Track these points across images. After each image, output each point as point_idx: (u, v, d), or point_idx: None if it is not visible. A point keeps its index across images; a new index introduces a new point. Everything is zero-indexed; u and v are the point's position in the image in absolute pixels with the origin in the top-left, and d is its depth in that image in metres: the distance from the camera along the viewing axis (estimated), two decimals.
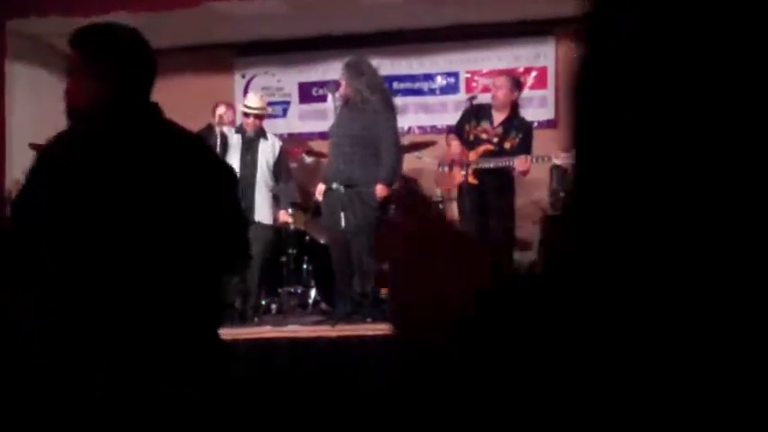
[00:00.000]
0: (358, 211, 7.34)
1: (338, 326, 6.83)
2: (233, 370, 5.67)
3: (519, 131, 8.11)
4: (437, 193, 8.75)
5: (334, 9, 9.54)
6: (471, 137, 8.19)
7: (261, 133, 8.43)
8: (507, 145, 8.02)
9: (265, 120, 8.74)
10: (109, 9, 8.81)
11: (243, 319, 7.88)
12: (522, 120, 8.36)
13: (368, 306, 7.25)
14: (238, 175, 7.49)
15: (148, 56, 2.66)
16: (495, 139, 8.04)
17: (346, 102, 7.51)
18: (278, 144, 8.53)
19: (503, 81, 8.43)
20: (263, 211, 8.21)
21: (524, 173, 7.99)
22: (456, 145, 8.26)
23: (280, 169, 8.46)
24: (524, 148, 8.03)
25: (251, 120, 8.35)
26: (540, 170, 9.61)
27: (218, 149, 8.03)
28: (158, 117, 2.50)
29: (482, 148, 8.07)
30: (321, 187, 7.65)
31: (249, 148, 8.35)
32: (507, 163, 7.94)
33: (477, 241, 0.91)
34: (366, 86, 7.50)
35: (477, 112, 8.38)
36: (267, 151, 8.39)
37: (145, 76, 2.62)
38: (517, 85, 8.48)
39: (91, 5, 8.78)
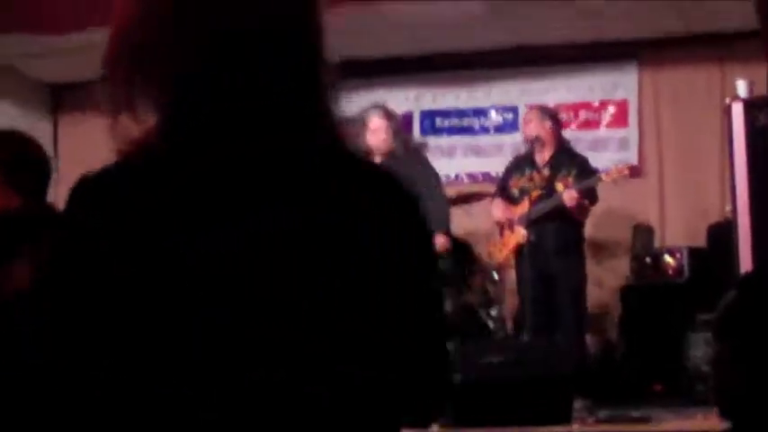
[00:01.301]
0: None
1: None
2: None
3: (571, 167, 8.08)
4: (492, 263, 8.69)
5: (364, 27, 9.51)
6: (516, 192, 8.18)
7: None
8: (560, 187, 7.96)
9: None
10: (84, 26, 8.84)
11: None
12: (573, 153, 8.35)
13: None
14: None
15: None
16: (543, 183, 8.00)
17: (387, 156, 7.64)
18: None
19: (529, 114, 8.60)
20: None
21: (574, 208, 7.91)
22: (498, 206, 8.33)
23: None
24: (588, 185, 7.99)
25: None
26: (619, 230, 9.56)
27: None
28: None
29: (526, 198, 8.03)
30: None
31: None
32: (555, 203, 7.89)
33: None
34: (401, 134, 7.73)
35: (519, 164, 8.41)
36: None
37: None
38: (550, 115, 8.47)
39: (65, 23, 8.82)
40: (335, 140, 1.77)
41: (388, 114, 7.71)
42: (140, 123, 1.70)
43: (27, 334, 1.74)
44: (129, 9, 1.72)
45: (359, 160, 1.84)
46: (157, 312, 1.63)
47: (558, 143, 8.27)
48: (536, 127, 8.21)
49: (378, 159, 7.50)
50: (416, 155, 7.73)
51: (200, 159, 1.63)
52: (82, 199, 1.72)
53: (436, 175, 8.14)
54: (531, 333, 7.56)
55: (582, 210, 8.07)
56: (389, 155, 7.54)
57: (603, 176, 8.00)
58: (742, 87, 7.13)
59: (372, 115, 7.65)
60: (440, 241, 7.47)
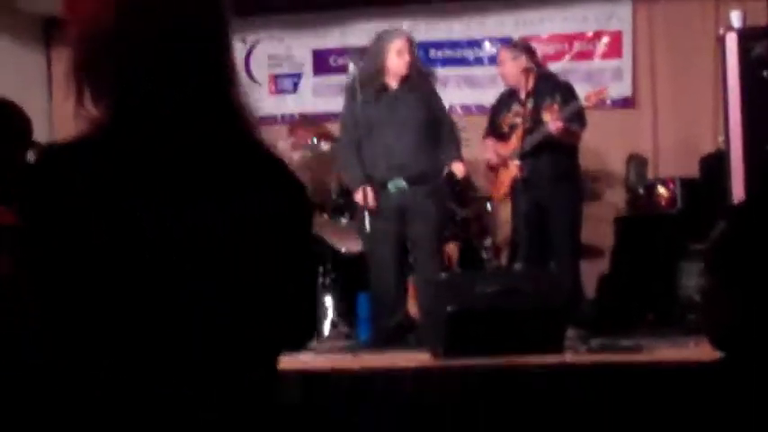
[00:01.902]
0: (431, 212, 7.38)
1: (361, 354, 6.77)
2: None
3: (555, 95, 8.04)
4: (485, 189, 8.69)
5: None
6: (506, 128, 8.17)
7: None
8: (546, 116, 7.93)
9: (274, 95, 8.66)
10: None
11: None
12: (555, 80, 8.31)
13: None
14: None
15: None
16: (529, 116, 7.97)
17: (404, 80, 7.46)
18: None
19: (501, 54, 8.52)
20: None
21: (563, 135, 7.89)
22: (490, 146, 8.33)
23: None
24: (572, 110, 7.96)
25: None
26: (613, 161, 9.57)
27: None
28: None
29: (516, 133, 8.01)
30: (367, 191, 7.49)
31: None
32: (544, 133, 7.87)
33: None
34: (418, 60, 7.57)
35: (504, 101, 8.40)
36: None
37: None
38: (522, 49, 8.42)
39: None
40: (246, 132, 2.23)
41: (411, 39, 7.58)
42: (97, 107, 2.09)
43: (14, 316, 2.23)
44: (84, 22, 2.09)
45: (262, 149, 2.26)
46: (116, 269, 2.02)
47: (537, 74, 8.23)
48: (511, 68, 8.16)
49: (394, 83, 7.48)
50: (429, 83, 7.69)
51: (140, 140, 2.05)
52: (46, 176, 2.04)
53: None
54: (524, 263, 7.56)
55: (572, 135, 8.05)
56: (406, 79, 7.45)
57: (584, 101, 7.96)
58: (736, 18, 7.11)
59: (397, 37, 7.51)
60: (460, 169, 7.60)
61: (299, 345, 2.42)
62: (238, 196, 2.12)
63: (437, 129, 7.54)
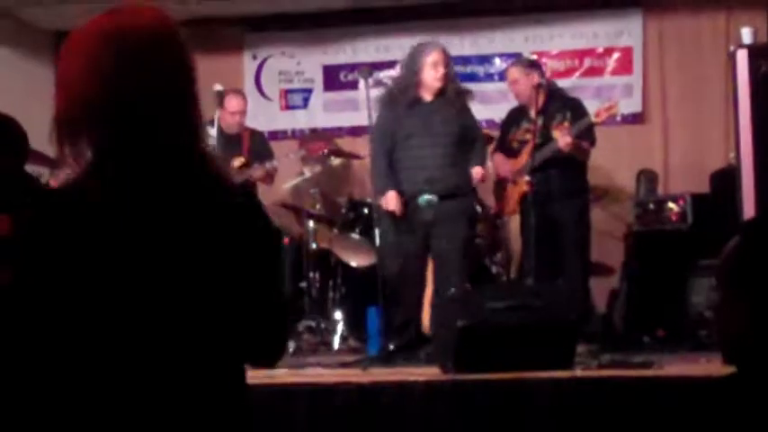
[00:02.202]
0: (459, 228, 7.39)
1: (371, 369, 6.77)
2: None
3: (565, 112, 8.05)
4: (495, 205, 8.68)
5: None
6: (515, 144, 8.18)
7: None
8: (556, 133, 7.94)
9: (239, 116, 8.65)
10: None
11: None
12: (565, 97, 8.33)
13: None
14: None
15: None
16: (539, 132, 7.96)
17: (439, 93, 7.43)
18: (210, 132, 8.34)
19: (513, 72, 8.47)
20: None
21: (573, 151, 7.90)
22: (499, 161, 8.32)
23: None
24: (582, 126, 7.96)
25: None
26: (623, 176, 9.56)
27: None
28: None
29: (525, 150, 8.01)
30: (392, 195, 7.45)
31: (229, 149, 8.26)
32: (553, 149, 7.88)
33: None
34: (454, 74, 7.57)
35: (514, 117, 8.41)
36: None
37: None
38: (531, 65, 8.47)
39: None
40: (209, 175, 2.47)
41: (446, 52, 7.54)
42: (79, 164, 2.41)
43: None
44: (70, 90, 2.42)
45: (225, 185, 2.51)
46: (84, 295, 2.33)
47: (547, 90, 8.24)
48: (525, 84, 8.16)
49: (428, 95, 7.44)
50: (463, 97, 7.67)
51: (116, 193, 2.35)
52: (38, 223, 2.40)
53: None
54: (534, 278, 7.55)
55: (581, 152, 8.07)
56: (440, 91, 7.42)
57: (594, 117, 7.96)
58: (747, 34, 7.10)
59: (432, 50, 7.47)
60: (478, 171, 7.57)
61: (268, 359, 2.60)
62: (200, 230, 2.38)
63: (468, 144, 7.55)
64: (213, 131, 8.19)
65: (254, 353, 2.55)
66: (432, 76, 7.37)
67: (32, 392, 2.37)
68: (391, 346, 7.34)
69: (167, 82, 2.45)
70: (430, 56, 7.39)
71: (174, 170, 2.41)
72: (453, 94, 7.50)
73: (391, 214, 7.43)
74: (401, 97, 7.47)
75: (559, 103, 8.17)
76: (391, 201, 7.42)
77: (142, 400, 2.33)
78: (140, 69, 2.39)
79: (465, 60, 10.68)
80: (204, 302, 2.38)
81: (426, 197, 7.27)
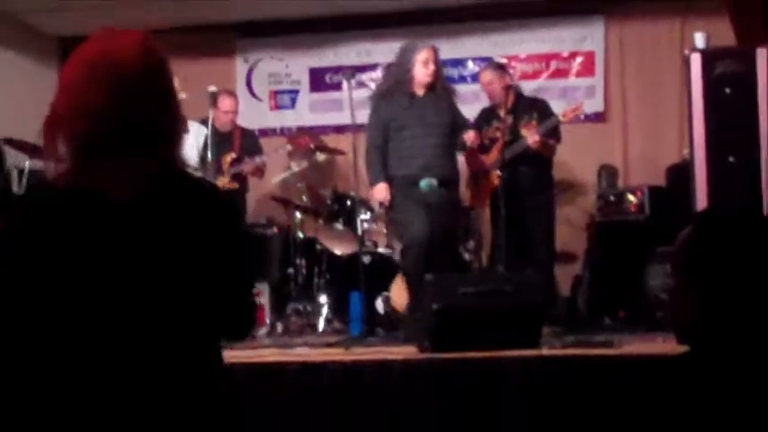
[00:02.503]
0: (451, 216, 7.42)
1: (353, 348, 6.77)
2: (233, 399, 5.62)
3: (531, 111, 8.09)
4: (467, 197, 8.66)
5: None
6: (486, 141, 8.18)
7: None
8: (524, 131, 7.96)
9: (231, 114, 8.63)
10: None
11: None
12: (532, 98, 8.37)
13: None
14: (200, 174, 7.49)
15: None
16: (508, 130, 7.98)
17: (430, 87, 7.42)
18: (202, 134, 8.34)
19: (486, 74, 8.52)
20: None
21: (541, 148, 7.94)
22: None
23: (216, 159, 8.31)
24: (549, 125, 7.99)
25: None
26: (585, 171, 9.58)
27: (206, 148, 7.99)
28: None
29: (495, 146, 8.02)
30: (383, 187, 7.44)
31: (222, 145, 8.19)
32: (522, 146, 7.90)
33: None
34: (442, 71, 7.58)
35: (485, 116, 8.43)
36: (189, 146, 8.18)
37: None
38: (502, 68, 8.54)
39: None
40: (188, 179, 2.63)
41: (436, 50, 7.50)
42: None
43: None
44: (64, 101, 2.51)
45: (194, 184, 2.64)
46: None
47: (515, 91, 8.30)
48: (497, 85, 8.19)
49: (420, 90, 7.41)
50: (450, 93, 7.67)
51: (95, 186, 2.47)
52: (13, 214, 2.53)
53: None
54: (504, 266, 7.56)
55: (548, 149, 8.10)
56: (431, 86, 7.40)
57: (561, 117, 7.99)
58: (700, 40, 7.13)
59: (422, 48, 7.43)
60: (471, 136, 7.61)
61: (239, 335, 2.78)
62: (172, 223, 2.51)
63: (457, 135, 7.54)
64: (208, 129, 8.18)
65: (228, 330, 2.70)
66: (422, 72, 7.35)
67: (28, 358, 2.46)
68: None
69: (155, 101, 2.57)
70: (421, 53, 7.37)
71: (158, 173, 2.54)
72: (441, 90, 7.49)
73: (394, 198, 7.41)
74: (395, 92, 7.45)
75: (527, 104, 8.20)
76: (380, 192, 7.43)
77: (132, 371, 2.43)
78: (136, 90, 2.51)
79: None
80: (185, 290, 2.51)
81: (426, 181, 7.27)
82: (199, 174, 8.09)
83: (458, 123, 7.63)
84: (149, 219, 2.49)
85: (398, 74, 7.50)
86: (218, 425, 2.59)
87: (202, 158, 8.18)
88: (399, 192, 7.39)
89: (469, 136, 7.58)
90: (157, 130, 2.55)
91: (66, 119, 2.49)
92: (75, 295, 2.43)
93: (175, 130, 2.63)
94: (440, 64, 7.55)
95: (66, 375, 2.43)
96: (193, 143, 8.24)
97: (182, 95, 8.11)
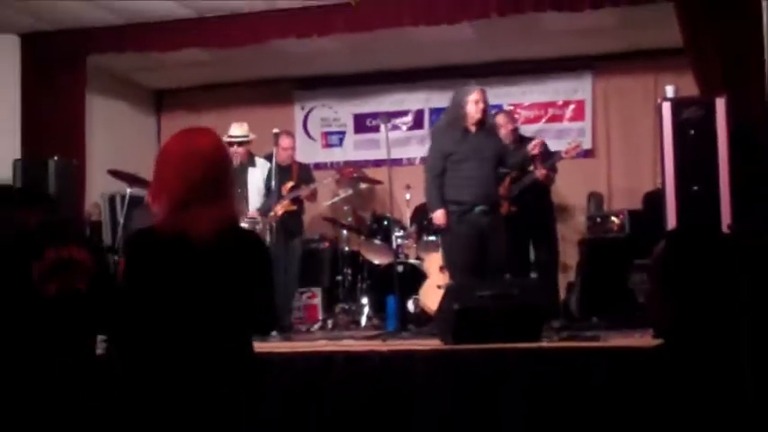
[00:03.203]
0: (501, 235, 7.08)
1: (389, 340, 6.77)
2: (292, 380, 5.63)
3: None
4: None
5: (386, 47, 9.52)
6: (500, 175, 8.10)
7: (249, 161, 8.23)
8: (531, 167, 7.92)
9: (290, 150, 8.60)
10: (183, 46, 8.86)
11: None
12: (531, 138, 8.29)
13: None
14: None
15: None
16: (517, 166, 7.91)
17: (480, 125, 7.14)
18: (266, 167, 8.25)
19: (500, 119, 8.35)
20: (267, 236, 7.81)
21: (545, 179, 7.98)
22: None
23: (279, 187, 8.19)
24: (554, 161, 7.97)
25: (235, 148, 8.07)
26: (577, 197, 9.56)
27: (270, 178, 8.00)
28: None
29: (507, 178, 7.93)
30: (442, 213, 7.12)
31: (240, 178, 8.00)
32: (532, 178, 7.89)
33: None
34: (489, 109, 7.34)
35: None
36: (257, 177, 8.18)
37: None
38: (510, 114, 8.74)
39: (167, 43, 8.83)
40: (235, 225, 3.22)
41: (484, 92, 7.24)
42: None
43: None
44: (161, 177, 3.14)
45: (241, 229, 3.31)
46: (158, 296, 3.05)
47: (519, 135, 8.33)
48: (507, 128, 8.23)
49: (472, 127, 7.11)
50: (496, 131, 7.60)
51: (176, 229, 3.06)
52: (131, 246, 3.17)
53: None
54: (511, 274, 7.50)
55: (550, 180, 8.09)
56: (481, 123, 7.12)
57: (564, 154, 7.94)
58: (670, 91, 7.10)
59: (474, 90, 7.17)
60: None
61: (265, 331, 4.03)
62: (229, 257, 3.10)
63: (502, 165, 7.35)
64: (271, 163, 8.20)
65: (257, 327, 3.37)
66: (474, 109, 7.08)
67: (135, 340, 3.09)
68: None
69: (221, 176, 3.15)
70: (472, 94, 7.14)
71: (224, 217, 3.12)
72: (489, 127, 7.29)
73: (448, 224, 7.11)
74: (452, 128, 7.19)
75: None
76: (439, 218, 7.15)
77: (195, 350, 3.05)
78: (213, 169, 3.12)
79: None
80: (229, 298, 3.09)
81: (481, 207, 6.98)
82: (264, 198, 8.15)
83: (503, 150, 7.42)
84: (215, 254, 3.06)
85: (454, 112, 7.25)
86: (247, 387, 3.17)
87: (267, 187, 8.20)
88: (454, 217, 7.08)
89: (541, 171, 7.55)
90: (222, 191, 3.11)
91: (169, 183, 3.08)
92: (167, 300, 3.04)
93: (233, 190, 3.24)
94: (488, 104, 7.29)
95: (164, 347, 3.06)
96: (260, 175, 8.26)
97: (251, 136, 8.25)
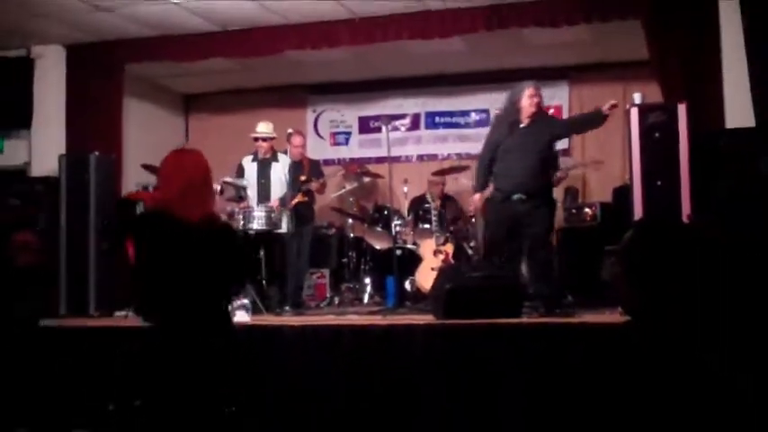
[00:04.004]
0: (540, 220, 6.67)
1: (389, 316, 6.77)
2: (303, 350, 5.63)
3: None
4: (469, 210, 8.59)
5: (387, 57, 9.51)
6: None
7: (273, 156, 8.19)
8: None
9: (301, 148, 8.58)
10: (209, 55, 8.88)
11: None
12: None
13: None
14: (256, 194, 7.76)
15: None
16: None
17: (533, 117, 6.82)
18: (287, 162, 8.19)
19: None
20: (260, 220, 7.65)
21: (557, 182, 7.91)
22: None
23: (292, 180, 8.13)
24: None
25: (260, 143, 8.04)
26: (557, 191, 9.50)
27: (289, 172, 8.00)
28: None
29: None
30: (478, 197, 6.96)
31: (263, 171, 8.05)
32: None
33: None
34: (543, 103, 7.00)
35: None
36: (279, 170, 8.16)
37: None
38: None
39: (195, 53, 8.87)
40: (211, 215, 3.81)
41: (539, 87, 6.93)
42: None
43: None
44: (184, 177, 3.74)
45: (216, 218, 3.87)
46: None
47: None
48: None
49: (526, 121, 6.80)
50: (550, 121, 7.18)
51: (170, 216, 3.66)
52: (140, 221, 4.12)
53: None
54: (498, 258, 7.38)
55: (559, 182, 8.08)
56: (534, 116, 6.80)
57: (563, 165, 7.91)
58: (637, 98, 7.11)
59: (530, 86, 6.87)
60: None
61: (235, 291, 4.55)
62: (204, 239, 3.65)
63: (553, 155, 7.06)
64: (287, 158, 8.19)
65: (234, 285, 4.06)
66: (528, 102, 6.79)
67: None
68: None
69: (201, 181, 3.73)
70: (528, 89, 6.85)
71: (202, 213, 3.68)
72: (541, 118, 6.89)
73: (489, 207, 6.93)
74: (506, 120, 6.91)
75: None
76: (474, 201, 7.05)
77: (188, 306, 3.60)
78: (198, 178, 3.73)
79: (451, 114, 10.68)
80: (209, 266, 3.63)
81: (518, 195, 6.63)
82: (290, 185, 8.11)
83: (558, 134, 7.12)
84: (198, 233, 3.62)
85: (509, 106, 6.96)
86: (224, 335, 3.71)
87: (289, 179, 8.14)
88: (497, 202, 6.83)
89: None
90: (202, 192, 3.72)
91: (167, 184, 3.72)
92: (168, 266, 3.61)
93: (212, 194, 3.91)
94: (542, 98, 6.95)
95: (167, 303, 3.62)
96: (281, 169, 8.19)
97: (273, 135, 8.21)
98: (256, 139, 8.01)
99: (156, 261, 3.62)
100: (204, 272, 3.61)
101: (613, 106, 6.72)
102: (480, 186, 7.00)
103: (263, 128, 8.12)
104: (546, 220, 6.76)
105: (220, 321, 3.72)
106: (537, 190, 6.70)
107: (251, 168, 8.06)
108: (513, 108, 6.89)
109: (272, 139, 8.12)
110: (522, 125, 6.82)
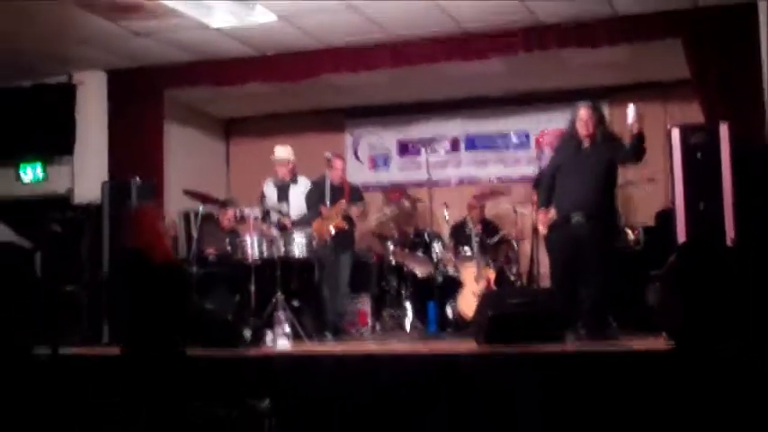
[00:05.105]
0: (599, 241, 6.55)
1: (430, 342, 6.76)
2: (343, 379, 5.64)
3: None
4: (512, 234, 8.56)
5: (426, 79, 9.54)
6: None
7: (292, 179, 8.26)
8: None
9: (341, 172, 8.61)
10: (247, 80, 8.98)
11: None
12: None
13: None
14: (277, 217, 7.89)
15: None
16: None
17: (592, 138, 6.71)
18: (307, 185, 8.27)
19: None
20: (300, 246, 7.69)
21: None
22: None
23: (309, 205, 8.20)
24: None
25: (278, 167, 8.19)
26: None
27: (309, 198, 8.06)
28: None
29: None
30: (543, 215, 6.83)
31: (282, 193, 8.18)
32: None
33: None
34: (605, 124, 6.91)
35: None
36: (299, 192, 8.20)
37: None
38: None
39: (233, 77, 8.97)
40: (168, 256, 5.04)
41: (592, 108, 6.80)
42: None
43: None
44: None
45: (168, 261, 4.99)
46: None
47: None
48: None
49: (585, 141, 6.71)
50: (615, 142, 6.85)
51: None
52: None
53: None
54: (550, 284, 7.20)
55: None
56: (593, 138, 6.71)
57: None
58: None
59: (581, 108, 6.77)
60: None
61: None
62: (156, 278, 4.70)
63: (613, 174, 6.82)
64: (325, 184, 8.23)
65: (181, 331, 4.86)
66: (581, 125, 6.72)
67: None
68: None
69: (155, 228, 4.87)
70: (579, 113, 6.76)
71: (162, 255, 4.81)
72: (603, 139, 6.75)
73: (552, 225, 6.78)
74: (568, 142, 6.84)
75: None
76: (543, 217, 6.86)
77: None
78: (152, 226, 4.88)
79: (491, 136, 10.66)
80: (157, 303, 4.61)
81: (577, 219, 6.56)
82: (307, 213, 8.17)
83: (618, 155, 6.75)
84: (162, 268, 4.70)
85: (569, 127, 6.87)
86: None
87: (307, 203, 8.21)
88: (559, 221, 6.72)
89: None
90: (157, 234, 4.84)
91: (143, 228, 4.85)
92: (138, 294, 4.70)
93: (167, 235, 5.09)
94: (599, 119, 6.81)
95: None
96: (301, 192, 8.28)
97: (290, 158, 8.31)
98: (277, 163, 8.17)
99: (132, 290, 4.74)
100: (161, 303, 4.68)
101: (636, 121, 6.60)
102: (543, 203, 6.92)
103: (281, 152, 8.21)
104: (603, 244, 6.63)
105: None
106: (596, 211, 6.57)
107: (271, 192, 8.16)
108: (572, 131, 6.82)
109: (289, 162, 8.21)
110: (583, 146, 6.75)
